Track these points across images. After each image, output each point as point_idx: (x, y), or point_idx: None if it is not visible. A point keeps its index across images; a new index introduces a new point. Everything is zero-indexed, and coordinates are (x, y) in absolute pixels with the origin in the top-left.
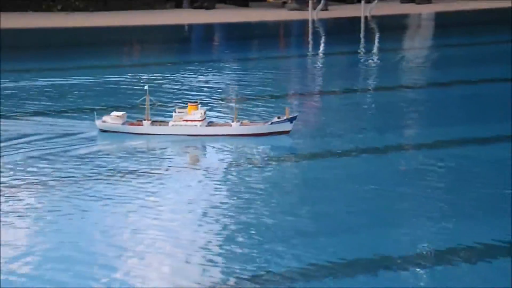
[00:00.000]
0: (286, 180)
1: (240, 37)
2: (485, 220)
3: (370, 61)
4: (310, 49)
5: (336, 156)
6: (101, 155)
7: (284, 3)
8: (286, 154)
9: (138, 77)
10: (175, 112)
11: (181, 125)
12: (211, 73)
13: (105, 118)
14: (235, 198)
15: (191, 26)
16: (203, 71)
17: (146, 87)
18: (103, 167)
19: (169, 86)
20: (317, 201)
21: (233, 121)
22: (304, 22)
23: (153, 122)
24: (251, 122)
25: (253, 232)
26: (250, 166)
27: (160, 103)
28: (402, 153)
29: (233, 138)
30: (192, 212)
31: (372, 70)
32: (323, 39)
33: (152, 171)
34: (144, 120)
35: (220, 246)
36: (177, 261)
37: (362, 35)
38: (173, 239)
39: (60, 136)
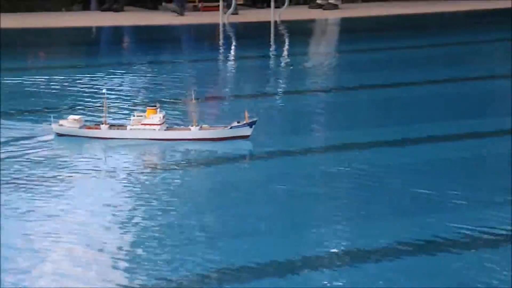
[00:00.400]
0: (208, 184)
1: (151, 40)
2: (399, 220)
3: (280, 64)
4: (221, 53)
5: (252, 159)
6: (52, 159)
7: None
8: (213, 158)
9: (56, 79)
10: (134, 115)
11: (139, 129)
12: (127, 76)
13: (61, 121)
14: (163, 202)
15: (100, 28)
16: (118, 73)
17: (104, 91)
18: (49, 171)
19: (86, 88)
20: (231, 205)
21: (192, 125)
22: (215, 26)
23: (111, 126)
24: (211, 126)
25: (170, 235)
26: (182, 170)
27: (86, 106)
28: (316, 155)
29: (192, 143)
30: (118, 215)
31: (283, 73)
32: (234, 43)
33: (99, 175)
34: (102, 124)
35: (130, 251)
36: (87, 265)
37: (272, 39)
38: (86, 243)
39: (15, 140)
